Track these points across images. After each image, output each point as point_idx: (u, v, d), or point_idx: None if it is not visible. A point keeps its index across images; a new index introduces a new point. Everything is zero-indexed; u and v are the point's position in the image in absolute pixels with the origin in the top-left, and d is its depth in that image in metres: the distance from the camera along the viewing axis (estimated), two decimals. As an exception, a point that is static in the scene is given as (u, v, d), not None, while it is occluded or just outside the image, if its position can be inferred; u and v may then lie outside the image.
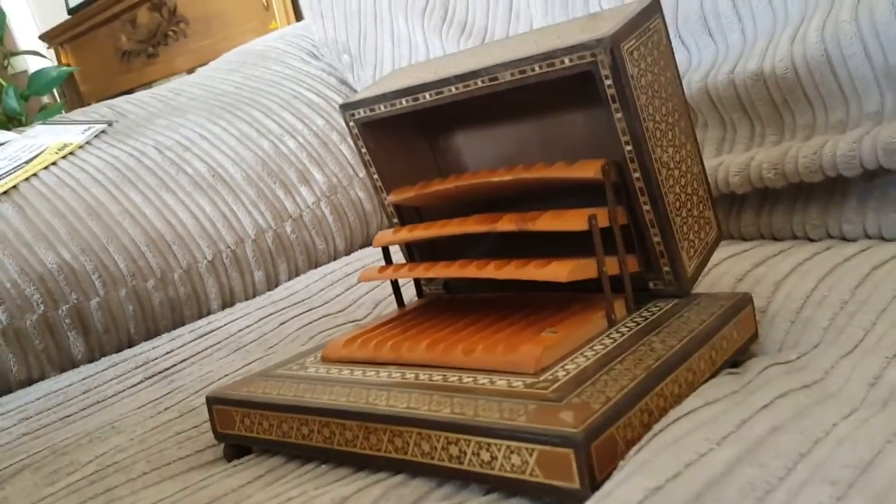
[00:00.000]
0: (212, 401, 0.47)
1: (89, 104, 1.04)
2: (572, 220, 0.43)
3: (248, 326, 0.69)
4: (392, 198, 0.53)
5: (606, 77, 0.41)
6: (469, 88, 0.46)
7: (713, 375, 0.40)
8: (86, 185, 0.79)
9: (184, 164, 0.84)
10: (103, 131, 0.90)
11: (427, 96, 0.48)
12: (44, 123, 0.94)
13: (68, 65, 2.28)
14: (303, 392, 0.43)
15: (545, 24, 0.78)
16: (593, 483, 0.31)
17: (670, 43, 0.46)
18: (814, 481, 0.28)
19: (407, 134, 0.56)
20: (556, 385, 0.36)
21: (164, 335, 0.73)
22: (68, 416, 0.58)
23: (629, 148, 0.43)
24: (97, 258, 0.73)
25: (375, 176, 0.54)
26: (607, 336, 0.41)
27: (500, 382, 0.38)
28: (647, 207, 0.44)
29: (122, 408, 0.57)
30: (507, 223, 0.45)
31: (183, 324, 0.77)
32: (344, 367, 0.45)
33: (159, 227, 0.77)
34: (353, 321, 0.66)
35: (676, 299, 0.46)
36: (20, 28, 2.71)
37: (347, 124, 0.53)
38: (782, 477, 0.28)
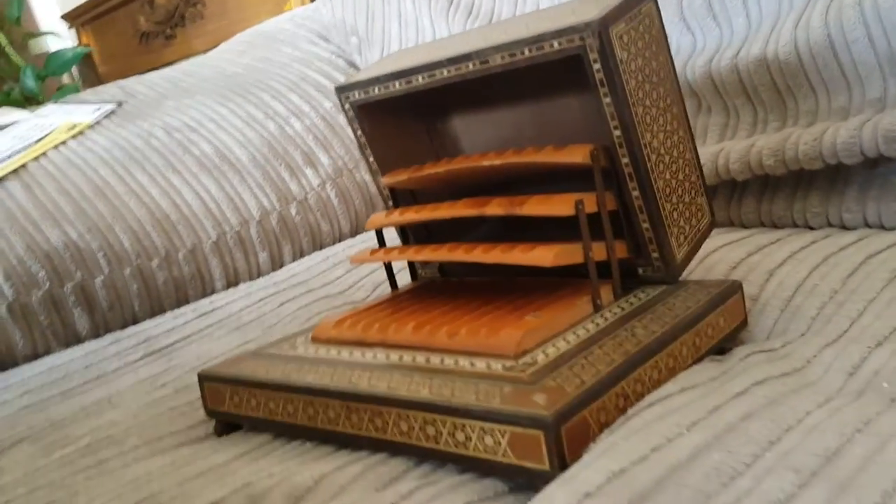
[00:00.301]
0: (203, 378, 0.47)
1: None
2: (559, 205, 0.43)
3: (248, 306, 0.70)
4: (386, 180, 0.53)
5: (595, 61, 0.41)
6: (461, 72, 0.46)
7: (697, 362, 0.40)
8: (93, 164, 0.80)
9: (191, 145, 0.85)
10: (113, 112, 0.91)
11: (420, 79, 0.48)
12: (55, 103, 0.95)
13: (87, 45, 2.30)
14: (289, 371, 0.43)
15: (552, 6, 0.77)
16: (563, 465, 0.31)
17: (663, 27, 0.45)
18: (779, 468, 0.28)
19: (403, 117, 0.56)
20: (533, 368, 0.36)
21: (167, 313, 0.74)
22: (69, 391, 0.59)
23: (618, 133, 0.43)
24: (103, 237, 0.74)
25: (371, 158, 0.54)
26: (591, 321, 0.42)
27: (480, 365, 0.38)
28: (635, 193, 0.44)
29: (121, 383, 0.58)
30: (495, 207, 0.45)
31: (187, 302, 0.78)
32: (332, 348, 0.46)
33: (165, 207, 0.78)
34: (352, 303, 0.67)
35: (665, 286, 0.45)
36: (43, 9, 2.73)
37: (343, 106, 0.53)
38: (749, 463, 0.28)
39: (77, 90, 2.07)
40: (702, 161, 0.62)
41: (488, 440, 0.33)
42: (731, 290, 0.44)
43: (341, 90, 0.52)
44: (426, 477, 0.35)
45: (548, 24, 0.44)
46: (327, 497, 0.35)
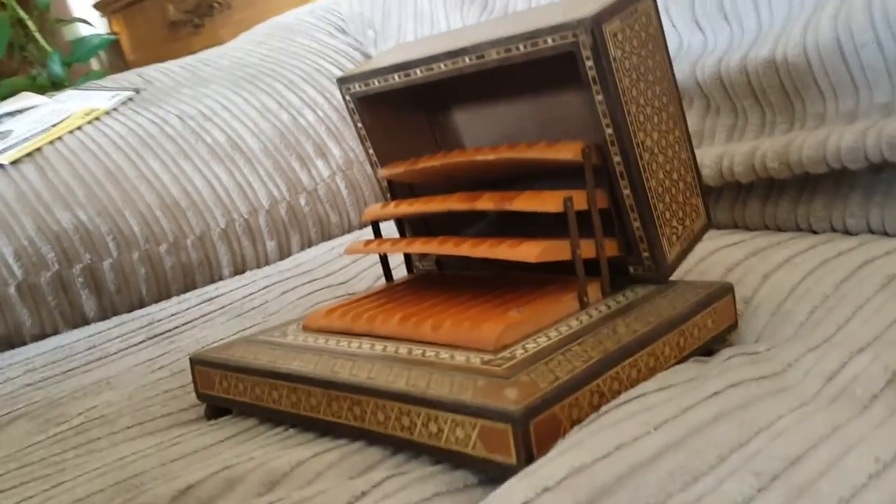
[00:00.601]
0: (195, 362, 0.48)
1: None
2: (548, 202, 0.43)
3: (251, 294, 0.71)
4: (383, 172, 0.53)
5: (588, 58, 0.41)
6: (457, 66, 0.46)
7: (681, 362, 0.40)
8: (107, 149, 0.81)
9: (204, 133, 0.86)
10: (130, 98, 0.92)
11: (418, 72, 0.48)
12: (74, 88, 0.97)
13: (116, 33, 2.33)
14: (276, 358, 0.44)
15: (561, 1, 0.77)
16: (530, 460, 0.31)
17: (661, 25, 0.45)
18: (741, 471, 0.27)
19: (405, 110, 0.56)
20: (511, 363, 0.36)
21: (173, 298, 0.75)
22: (70, 370, 0.60)
23: (610, 131, 0.42)
24: (112, 221, 0.75)
25: (371, 150, 0.55)
26: (576, 318, 0.41)
27: (460, 358, 0.38)
28: (627, 192, 0.44)
29: (121, 365, 0.59)
30: (486, 202, 0.45)
31: (194, 288, 0.79)
32: (321, 337, 0.46)
33: (175, 193, 0.79)
34: (353, 293, 0.67)
35: (655, 285, 0.45)
36: (76, -4, 2.77)
37: (344, 98, 0.54)
38: (713, 465, 0.28)
39: (102, 77, 2.10)
40: (706, 162, 0.62)
41: (459, 432, 0.34)
42: (721, 291, 0.44)
43: (342, 82, 0.53)
44: (399, 467, 0.36)
45: (546, 19, 0.44)
46: (302, 483, 0.36)
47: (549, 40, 0.42)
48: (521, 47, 0.43)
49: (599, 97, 0.42)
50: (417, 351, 0.40)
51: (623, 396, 0.34)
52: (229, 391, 0.46)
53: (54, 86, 1.84)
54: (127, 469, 0.41)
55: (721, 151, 0.61)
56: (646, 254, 0.45)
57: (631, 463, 0.28)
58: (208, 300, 0.71)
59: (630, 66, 0.42)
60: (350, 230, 0.90)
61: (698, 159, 0.62)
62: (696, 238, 0.48)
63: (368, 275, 0.71)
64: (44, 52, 1.97)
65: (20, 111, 0.90)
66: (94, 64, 2.32)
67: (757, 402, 0.32)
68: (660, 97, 0.45)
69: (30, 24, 1.99)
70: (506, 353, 0.37)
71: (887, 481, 0.26)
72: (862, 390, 0.31)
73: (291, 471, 0.36)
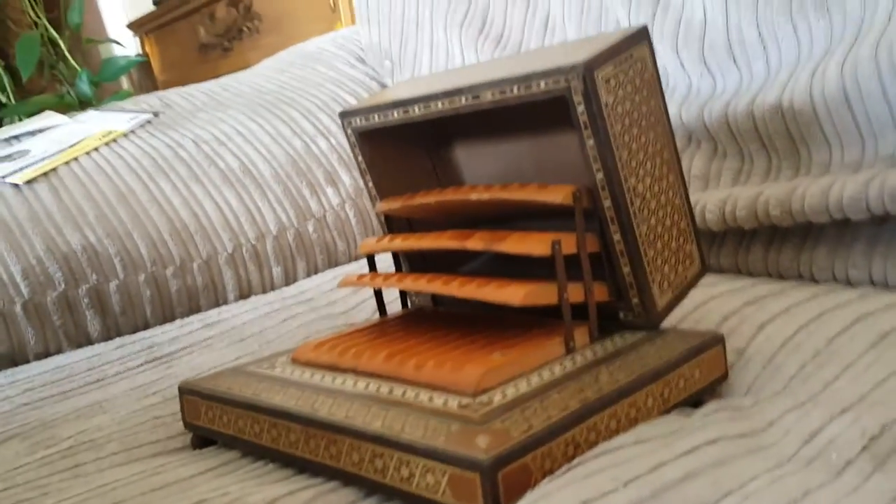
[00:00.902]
0: (183, 391, 0.48)
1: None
2: (536, 244, 0.43)
3: (252, 320, 0.71)
4: (380, 207, 0.53)
5: (579, 103, 0.41)
6: (454, 105, 0.47)
7: (666, 412, 0.39)
8: (120, 171, 0.82)
9: (217, 157, 0.87)
10: (149, 121, 0.94)
11: (416, 109, 0.49)
12: (95, 109, 0.98)
13: (146, 54, 2.38)
14: (260, 391, 0.44)
15: (564, 42, 0.77)
16: (497, 510, 0.31)
17: (657, 71, 0.45)
18: (706, 534, 0.27)
19: (406, 145, 0.56)
20: (487, 409, 0.36)
21: (176, 321, 0.75)
22: (68, 391, 0.60)
23: (600, 175, 0.42)
24: (120, 242, 0.76)
25: (370, 184, 0.55)
26: (560, 363, 0.41)
27: (438, 401, 0.38)
28: (617, 237, 0.43)
29: (117, 388, 0.59)
30: (476, 241, 0.45)
31: (199, 312, 0.79)
32: (307, 370, 0.46)
33: (184, 216, 0.80)
34: (352, 323, 0.67)
35: (645, 331, 0.45)
36: (111, 16, 2.83)
37: (346, 132, 0.54)
38: (679, 526, 0.28)
39: (130, 96, 2.14)
40: (710, 206, 0.61)
41: (430, 478, 0.33)
42: (711, 342, 0.43)
43: (344, 116, 0.53)
44: (370, 509, 0.35)
45: (545, 62, 0.44)
46: (272, 521, 0.35)
47: (542, 84, 0.42)
48: (516, 90, 0.43)
49: (590, 142, 0.42)
50: (398, 391, 0.40)
51: (598, 448, 0.34)
52: (214, 422, 0.46)
53: (81, 104, 1.88)
54: (107, 497, 0.41)
55: (725, 196, 0.60)
56: (635, 300, 0.45)
57: (594, 521, 0.28)
58: (209, 325, 0.72)
59: (623, 111, 0.42)
60: (357, 258, 0.91)
61: (703, 202, 0.62)
62: (690, 285, 0.47)
63: (368, 306, 0.71)
64: (73, 70, 2.01)
65: (40, 130, 0.92)
66: (124, 83, 2.37)
67: (732, 462, 0.32)
68: (653, 143, 0.45)
69: (61, 43, 2.04)
70: (483, 398, 0.37)
71: (854, 553, 0.25)
72: (837, 456, 0.30)
73: (264, 508, 0.36)
